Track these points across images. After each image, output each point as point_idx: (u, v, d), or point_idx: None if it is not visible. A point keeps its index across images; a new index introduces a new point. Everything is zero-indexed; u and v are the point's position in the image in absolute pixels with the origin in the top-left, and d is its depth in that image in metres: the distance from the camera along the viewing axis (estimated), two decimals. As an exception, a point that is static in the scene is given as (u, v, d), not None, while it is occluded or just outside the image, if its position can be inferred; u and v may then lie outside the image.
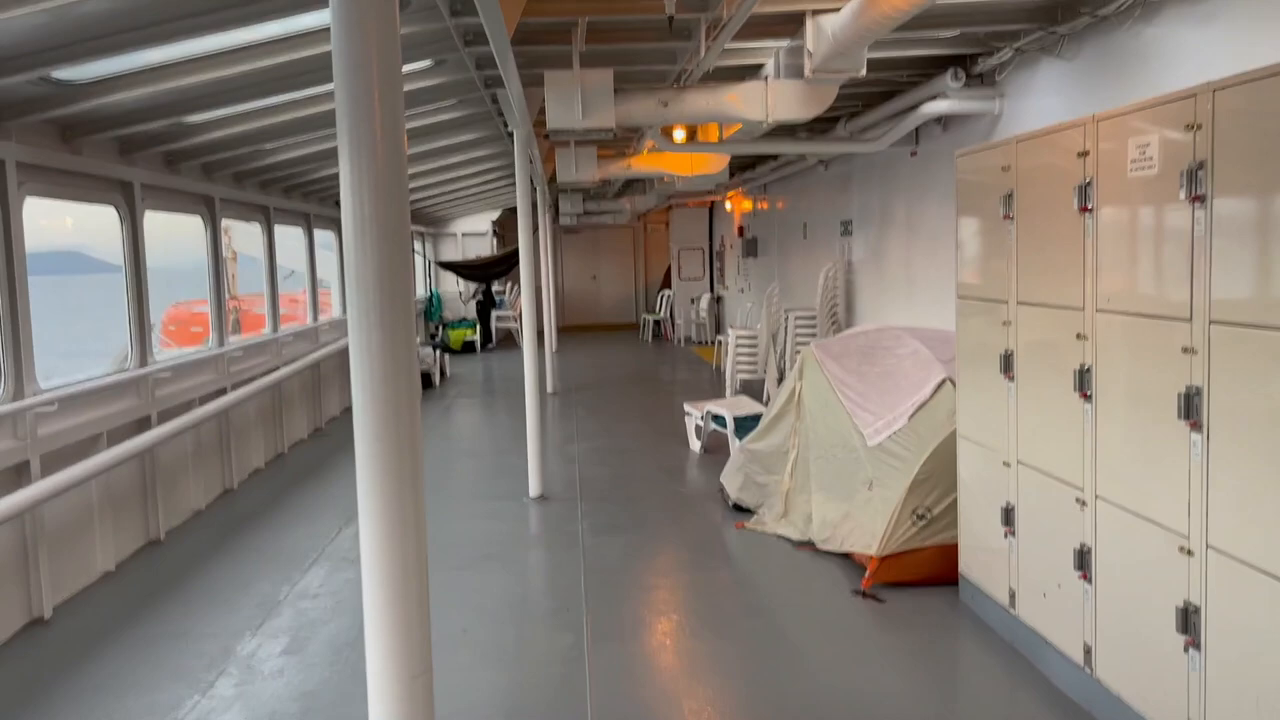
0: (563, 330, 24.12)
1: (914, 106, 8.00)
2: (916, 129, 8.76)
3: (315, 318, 11.80)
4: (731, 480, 7.50)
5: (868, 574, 5.66)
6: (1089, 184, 3.86)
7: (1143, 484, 3.59)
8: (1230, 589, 3.16)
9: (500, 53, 4.82)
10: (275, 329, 10.07)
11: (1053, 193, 4.19)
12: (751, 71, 7.02)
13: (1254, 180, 2.99)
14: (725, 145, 8.96)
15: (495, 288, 21.72)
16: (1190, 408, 3.26)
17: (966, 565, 5.32)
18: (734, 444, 8.65)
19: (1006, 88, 7.25)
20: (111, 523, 6.37)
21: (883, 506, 5.77)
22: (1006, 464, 4.72)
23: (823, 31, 5.21)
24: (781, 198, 15.52)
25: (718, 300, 22.24)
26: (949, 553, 5.56)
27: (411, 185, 13.81)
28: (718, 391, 14.10)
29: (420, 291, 21.19)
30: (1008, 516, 4.72)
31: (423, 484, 2.47)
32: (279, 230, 10.28)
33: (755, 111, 5.91)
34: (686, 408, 10.20)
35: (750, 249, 18.00)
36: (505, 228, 23.89)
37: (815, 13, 5.36)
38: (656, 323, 23.54)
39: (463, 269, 17.68)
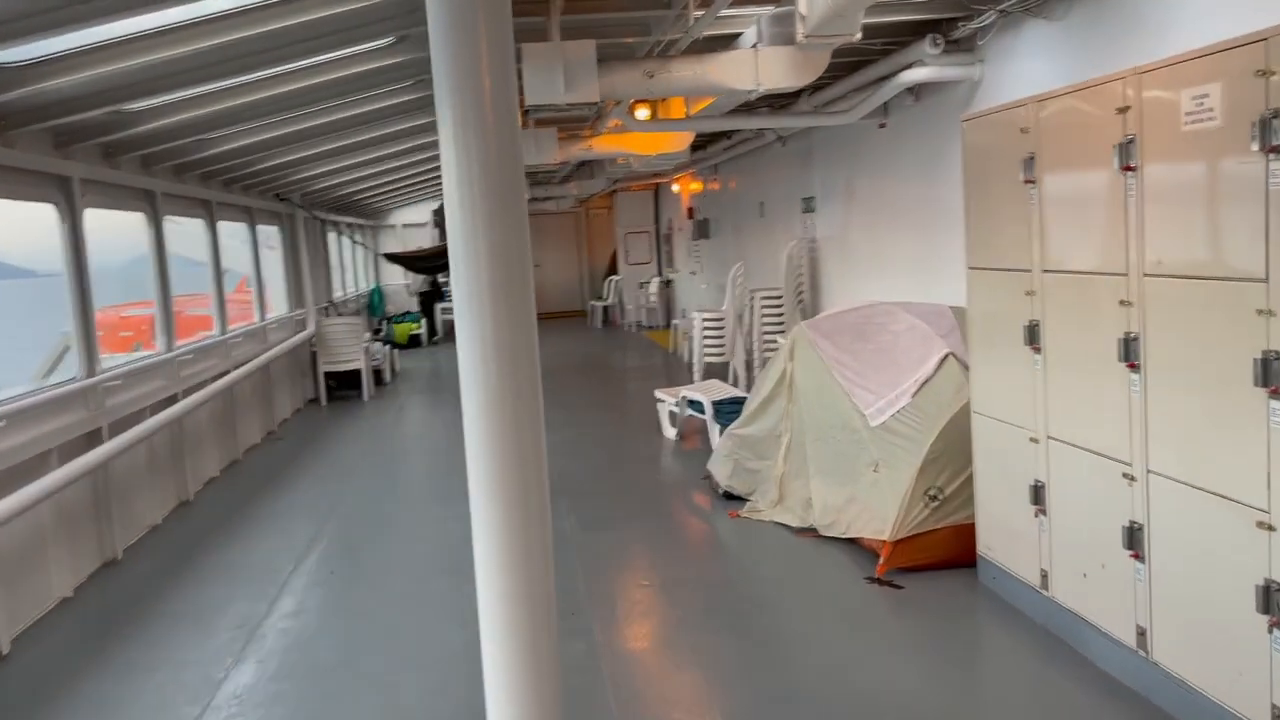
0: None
1: (887, 76, 7.78)
2: (885, 100, 8.54)
3: (263, 316, 11.27)
4: (720, 467, 7.24)
5: (881, 560, 5.45)
6: (1131, 141, 3.65)
7: (1209, 457, 3.40)
8: (1320, 564, 2.97)
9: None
10: (224, 330, 9.55)
11: (1085, 153, 3.98)
12: (727, 42, 6.72)
13: (1342, 127, 2.79)
14: (692, 122, 8.67)
15: (441, 279, 21.20)
16: (1269, 373, 3.06)
17: (987, 546, 5.12)
18: (713, 430, 8.41)
19: (987, 53, 7.06)
20: (66, 545, 5.90)
21: (892, 489, 5.55)
22: (1034, 440, 4.52)
23: (817, -7, 4.94)
24: (734, 177, 15.28)
25: (667, 284, 21.98)
26: (964, 533, 5.36)
27: (352, 175, 13.28)
28: (679, 376, 13.85)
29: (363, 285, 20.61)
30: (1037, 495, 4.53)
31: (546, 486, 2.16)
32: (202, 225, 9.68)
33: (745, 81, 5.62)
34: (658, 394, 9.92)
35: (701, 230, 17.75)
36: (447, 218, 23.34)
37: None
38: (605, 309, 23.22)
39: (409, 261, 17.15)
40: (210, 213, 9.46)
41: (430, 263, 17.66)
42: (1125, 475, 3.85)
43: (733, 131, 12.43)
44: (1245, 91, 3.08)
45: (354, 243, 17.03)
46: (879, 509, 5.63)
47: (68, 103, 5.59)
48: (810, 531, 6.23)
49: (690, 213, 18.96)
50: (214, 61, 5.93)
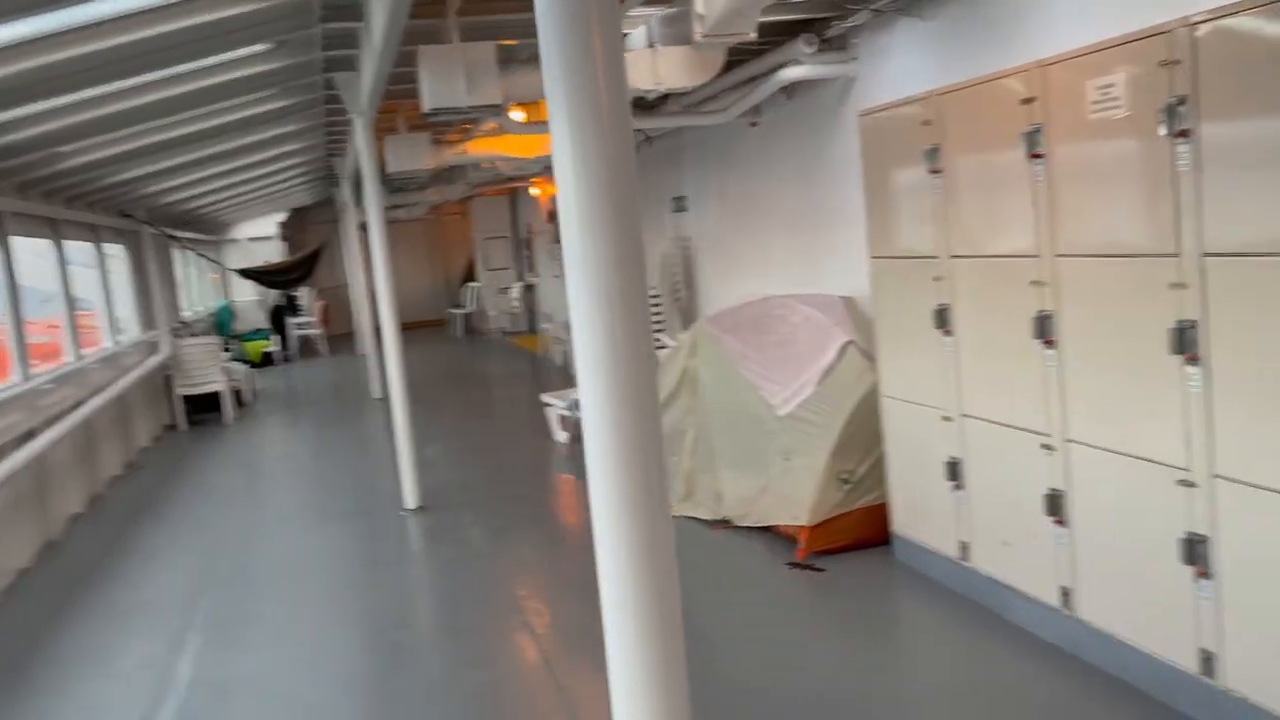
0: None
1: (761, 75, 7.97)
2: (759, 100, 8.74)
3: (114, 340, 10.62)
4: (624, 467, 7.25)
5: (800, 545, 5.59)
6: (1037, 130, 3.87)
7: (1127, 423, 3.64)
8: (1240, 517, 3.23)
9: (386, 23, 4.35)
10: (78, 356, 8.95)
11: (991, 142, 4.19)
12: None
13: (1246, 110, 3.04)
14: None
15: (294, 294, 20.45)
16: (1184, 341, 3.30)
17: (902, 524, 5.33)
18: (608, 430, 8.42)
19: (860, 51, 7.33)
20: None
21: (805, 475, 5.70)
22: (947, 419, 4.73)
23: (715, -8, 5.03)
24: (597, 179, 15.33)
25: (529, 289, 21.85)
26: (876, 514, 5.56)
27: (202, 189, 12.68)
28: (554, 380, 13.80)
29: (210, 303, 19.67)
30: (953, 471, 4.74)
31: (669, 502, 2.10)
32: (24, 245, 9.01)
33: (644, 80, 5.66)
34: (546, 398, 9.86)
35: (564, 234, 17.72)
36: (294, 230, 22.53)
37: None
38: (466, 316, 22.90)
39: (263, 276, 16.46)
40: (56, 232, 8.85)
41: (284, 276, 16.99)
42: (1044, 446, 4.08)
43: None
44: (1151, 81, 3.31)
45: (203, 258, 16.23)
46: (793, 496, 5.77)
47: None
48: (723, 523, 6.32)
49: (550, 216, 18.91)
50: (77, 70, 5.57)
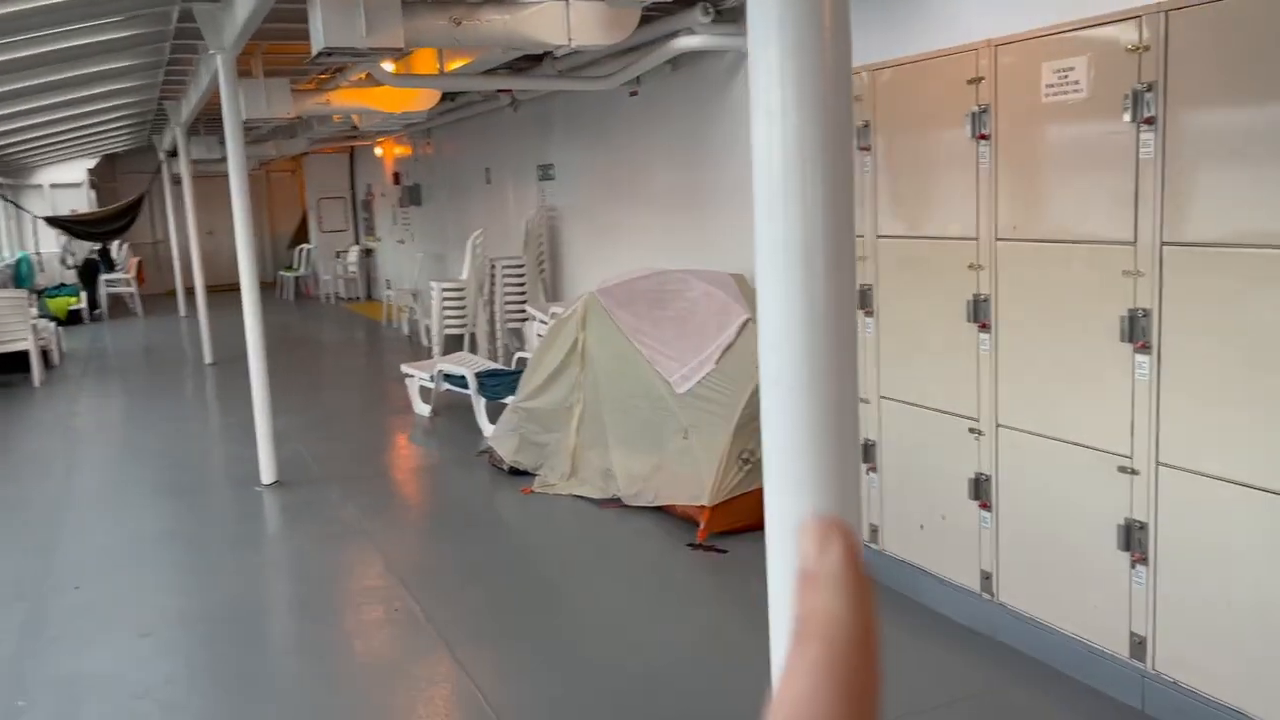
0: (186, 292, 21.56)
1: (649, 42, 7.75)
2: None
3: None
4: (504, 443, 6.94)
5: (701, 525, 5.46)
6: (984, 110, 3.83)
7: (1064, 409, 3.65)
8: (1179, 502, 3.28)
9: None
10: None
11: (930, 121, 4.13)
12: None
13: (1215, 99, 3.06)
14: (446, 79, 8.20)
15: (110, 247, 18.87)
16: (1135, 329, 3.32)
17: (805, 505, 5.27)
18: (478, 403, 8.07)
19: (755, 25, 7.22)
20: None
21: (706, 454, 5.57)
22: (863, 400, 4.68)
23: (638, -52, 4.78)
24: (452, 141, 14.75)
25: (368, 253, 20.92)
26: (776, 494, 5.49)
27: (7, 126, 11.40)
28: (401, 349, 13.25)
29: (5, 253, 17.86)
30: (867, 453, 4.70)
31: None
32: None
33: (556, 35, 5.34)
34: (406, 369, 9.38)
35: (412, 197, 17.01)
36: (104, 178, 20.77)
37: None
38: (297, 279, 21.72)
39: (76, 226, 15.02)
40: None
41: (99, 228, 15.59)
42: (972, 430, 4.07)
43: (456, 94, 11.94)
44: (1115, 65, 3.30)
45: (11, 204, 14.69)
46: (692, 475, 5.63)
47: None
48: (614, 503, 6.13)
49: (396, 178, 18.12)
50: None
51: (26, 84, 8.43)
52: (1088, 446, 3.57)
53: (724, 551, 5.31)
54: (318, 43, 4.76)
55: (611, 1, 5.14)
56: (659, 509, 5.88)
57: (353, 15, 4.58)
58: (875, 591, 0.26)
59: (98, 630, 4.70)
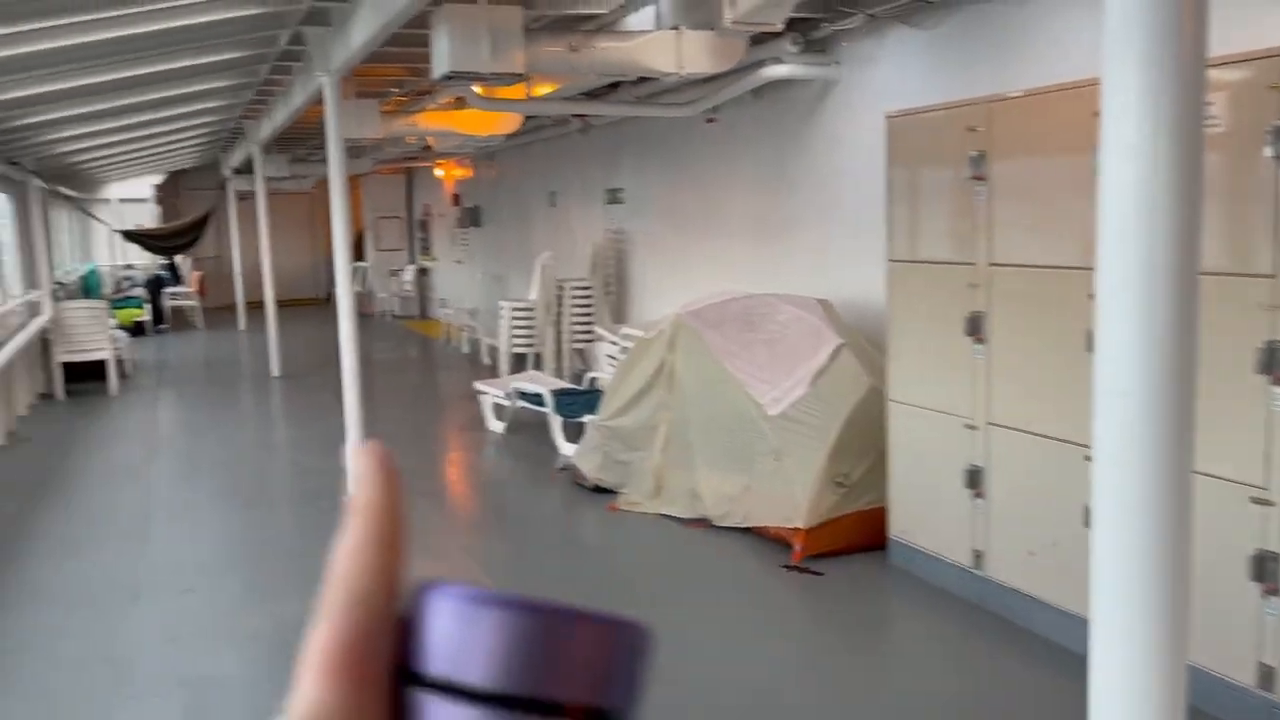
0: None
1: (734, 71, 7.87)
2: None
3: (2, 299, 9.71)
4: (588, 460, 7.04)
5: (797, 547, 5.51)
6: (1111, 144, 3.88)
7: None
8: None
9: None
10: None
11: (1049, 153, 4.20)
12: (605, 22, 6.52)
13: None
14: (530, 103, 8.38)
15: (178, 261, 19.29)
16: (1274, 362, 3.36)
17: (902, 529, 5.31)
18: (554, 421, 8.17)
19: (844, 55, 7.32)
20: None
21: (800, 476, 5.63)
22: (971, 426, 4.73)
23: (752, -22, 4.90)
24: (516, 164, 14.97)
25: (423, 272, 21.20)
26: (870, 518, 5.53)
27: (92, 143, 11.71)
28: (462, 365, 13.44)
29: (77, 265, 18.29)
30: (973, 479, 4.74)
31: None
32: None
33: (667, 63, 5.47)
34: (480, 386, 9.51)
35: (472, 218, 17.26)
36: (169, 193, 21.25)
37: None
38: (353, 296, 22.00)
39: (148, 239, 15.40)
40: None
41: (170, 241, 15.96)
42: (1088, 458, 4.09)
43: (529, 117, 12.14)
44: (1256, 101, 3.35)
45: (91, 217, 15.07)
46: (784, 497, 5.69)
47: None
48: (700, 522, 6.19)
49: (456, 199, 18.39)
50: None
51: (118, 103, 8.70)
52: (1218, 477, 3.59)
53: (820, 574, 5.35)
54: (441, 66, 4.91)
55: (721, 31, 5.26)
56: (748, 530, 5.94)
57: (478, 41, 4.74)
58: (400, 479, 0.34)
59: (212, 631, 4.83)
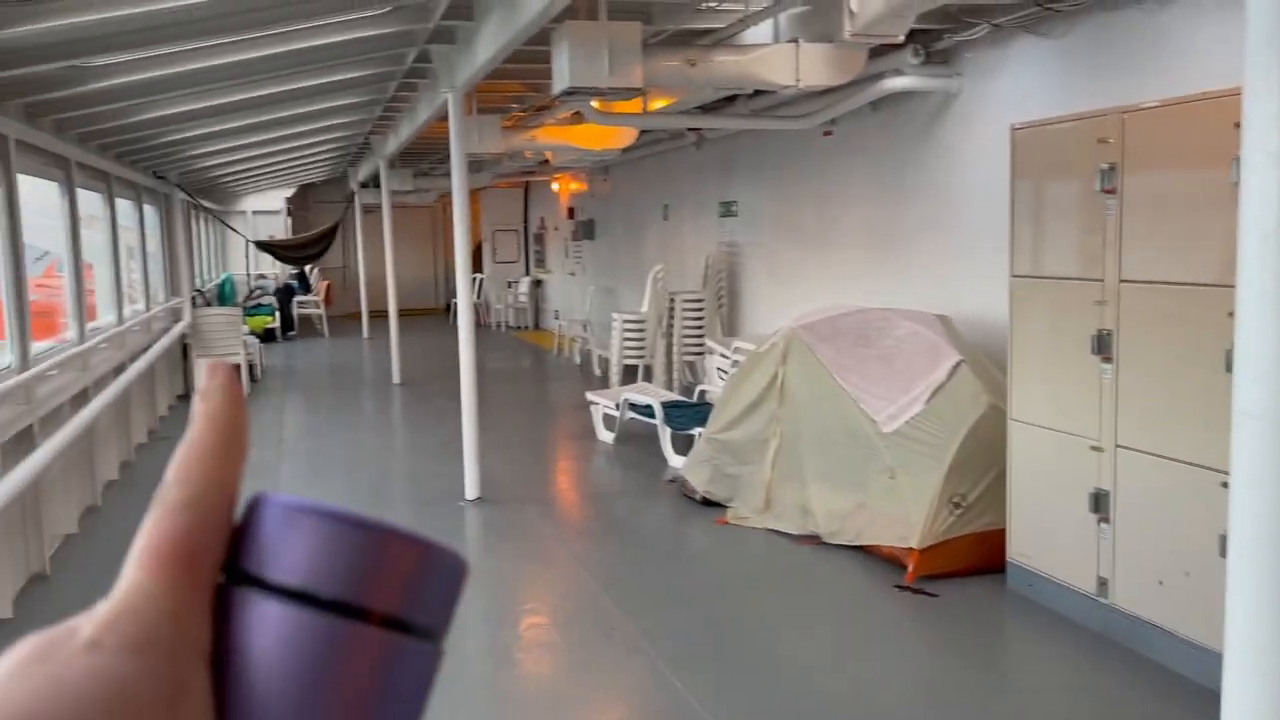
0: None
1: (853, 82, 7.80)
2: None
3: (149, 305, 10.29)
4: (697, 473, 7.05)
5: (910, 567, 5.41)
6: (1253, 156, 3.72)
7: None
8: None
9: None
10: (121, 319, 8.62)
11: (1187, 165, 4.04)
12: (721, 35, 6.55)
13: None
14: (646, 118, 8.47)
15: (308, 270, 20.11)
16: None
17: (1022, 552, 5.16)
18: (664, 433, 8.21)
19: (966, 66, 7.18)
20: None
21: (915, 495, 5.53)
22: (1097, 449, 4.57)
23: (874, -10, 4.85)
24: (630, 178, 15.12)
25: (537, 284, 21.58)
26: (987, 540, 5.39)
27: (233, 157, 12.30)
28: (573, 376, 13.61)
29: (212, 274, 19.22)
30: (1098, 503, 4.58)
31: None
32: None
33: (785, 76, 5.47)
34: (591, 396, 9.63)
35: (585, 231, 17.50)
36: (299, 206, 22.17)
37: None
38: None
39: (280, 250, 16.10)
40: (109, 187, 8.53)
41: (301, 252, 16.65)
42: (1225, 485, 3.91)
43: (643, 131, 12.25)
44: None
45: (229, 228, 15.85)
46: (897, 516, 5.59)
47: (26, 51, 4.84)
48: (811, 539, 6.13)
49: (571, 213, 18.67)
50: (183, 20, 5.29)
51: (255, 119, 9.12)
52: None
53: (934, 595, 5.24)
54: (561, 82, 5.01)
55: (840, 43, 5.23)
56: (859, 548, 5.86)
57: (597, 56, 4.82)
58: (243, 397, 0.36)
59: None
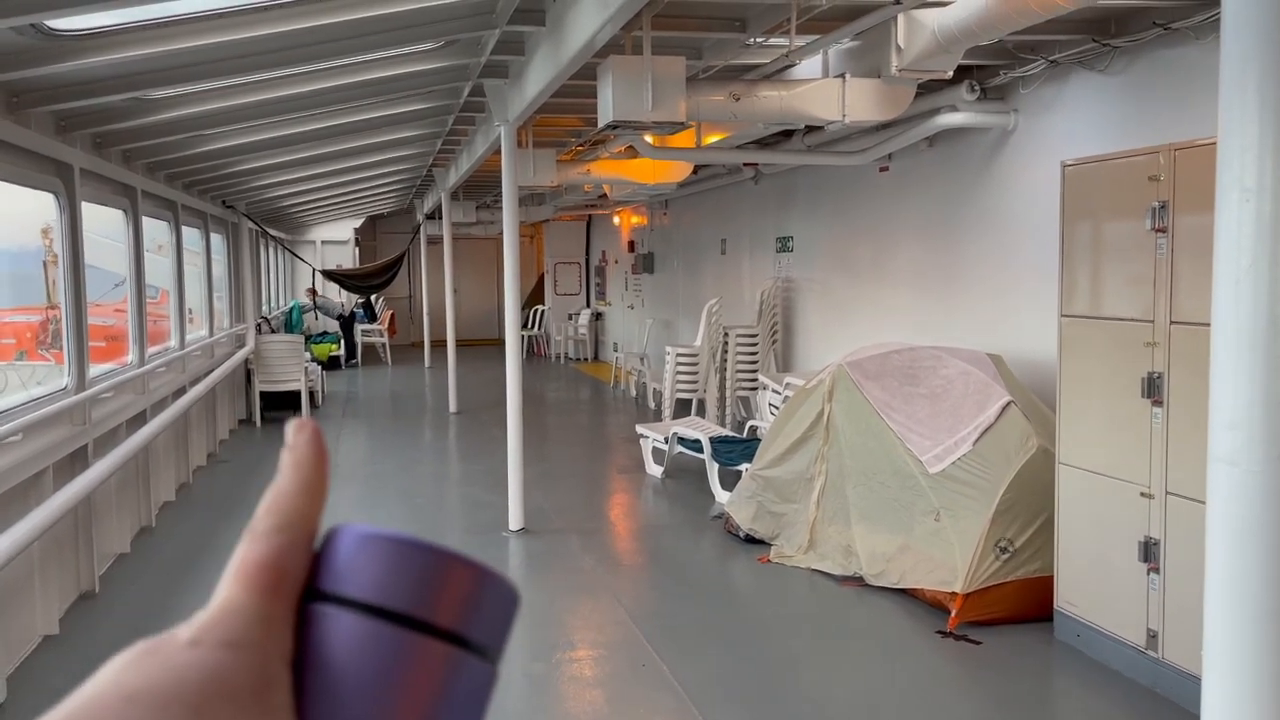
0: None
1: (908, 119, 7.73)
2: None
3: (212, 330, 10.55)
4: (741, 510, 6.97)
5: (954, 613, 5.26)
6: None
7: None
8: None
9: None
10: (183, 344, 8.84)
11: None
12: (771, 71, 6.55)
13: None
14: (699, 152, 8.48)
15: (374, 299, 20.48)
16: None
17: (1069, 601, 4.99)
18: (711, 468, 8.14)
19: (1022, 102, 7.08)
20: (48, 573, 5.23)
21: (959, 539, 5.39)
22: (1147, 495, 4.42)
23: (921, 25, 4.81)
24: (688, 212, 15.15)
25: (597, 317, 21.69)
26: (1035, 587, 5.23)
27: (299, 187, 12.62)
28: (628, 409, 13.60)
29: (279, 302, 19.66)
30: (1148, 552, 4.41)
31: None
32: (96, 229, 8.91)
33: (830, 111, 5.44)
34: (641, 429, 9.61)
35: (645, 265, 17.56)
36: (367, 237, 22.64)
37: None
38: (531, 339, 22.75)
39: (347, 279, 16.43)
40: (176, 216, 8.79)
41: (366, 282, 16.97)
42: (1280, 536, 3.75)
43: (700, 167, 12.28)
44: None
45: (297, 258, 16.24)
46: (942, 559, 5.45)
47: (94, 84, 5.03)
48: (854, 580, 6.01)
49: (631, 246, 18.76)
50: (243, 54, 5.45)
51: (320, 151, 9.35)
52: None
53: (978, 643, 5.09)
54: (606, 115, 5.04)
55: (888, 79, 5.19)
56: (903, 591, 5.72)
57: (640, 90, 4.84)
58: (326, 449, 0.40)
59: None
